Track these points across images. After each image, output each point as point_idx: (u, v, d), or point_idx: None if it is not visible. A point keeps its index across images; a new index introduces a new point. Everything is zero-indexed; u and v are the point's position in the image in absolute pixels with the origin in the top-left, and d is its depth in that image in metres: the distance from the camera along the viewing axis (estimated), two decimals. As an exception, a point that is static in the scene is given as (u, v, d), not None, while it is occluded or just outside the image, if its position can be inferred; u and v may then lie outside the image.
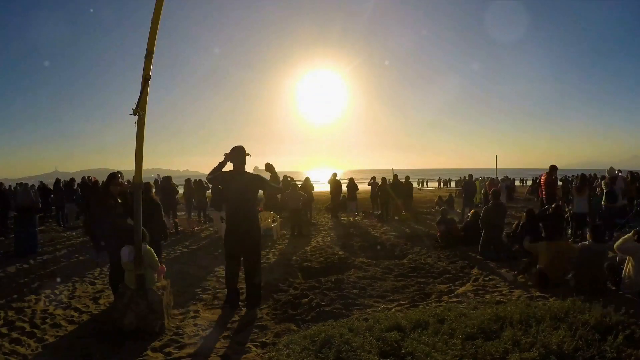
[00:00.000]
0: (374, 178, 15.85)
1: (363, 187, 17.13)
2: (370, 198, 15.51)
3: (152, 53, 3.79)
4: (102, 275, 6.13)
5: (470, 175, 15.88)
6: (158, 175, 13.98)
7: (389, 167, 15.30)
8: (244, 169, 4.44)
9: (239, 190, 4.37)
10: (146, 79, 3.77)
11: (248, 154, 4.45)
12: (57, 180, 13.71)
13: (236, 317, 4.30)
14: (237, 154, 4.39)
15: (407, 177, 15.15)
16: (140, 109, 3.77)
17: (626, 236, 4.85)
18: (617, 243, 4.87)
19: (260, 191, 5.43)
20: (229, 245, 4.54)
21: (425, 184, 42.81)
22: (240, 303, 4.68)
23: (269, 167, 4.56)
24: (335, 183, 14.31)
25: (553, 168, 8.76)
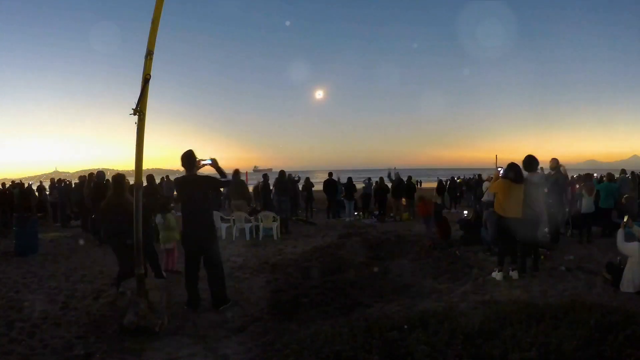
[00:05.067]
0: (369, 179, 15.98)
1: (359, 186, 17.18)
2: (361, 197, 15.67)
3: (152, 53, 3.80)
4: (102, 275, 6.13)
5: (479, 175, 15.91)
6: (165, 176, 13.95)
7: (392, 166, 15.41)
8: (195, 172, 4.62)
9: (190, 193, 4.54)
10: (146, 79, 3.77)
11: (199, 160, 4.58)
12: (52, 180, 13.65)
13: (236, 317, 4.30)
14: (184, 160, 4.57)
15: (410, 177, 15.24)
16: (140, 109, 3.78)
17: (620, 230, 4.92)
18: (618, 241, 4.88)
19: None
20: (187, 247, 4.64)
21: (418, 184, 42.14)
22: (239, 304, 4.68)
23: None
24: (329, 183, 14.32)
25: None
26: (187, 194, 4.58)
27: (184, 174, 4.71)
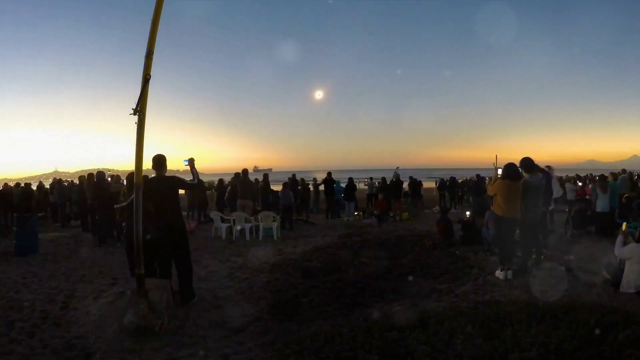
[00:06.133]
0: (370, 179, 16.10)
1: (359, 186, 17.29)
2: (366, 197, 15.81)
3: (152, 53, 3.79)
4: (102, 275, 6.14)
5: (478, 175, 15.98)
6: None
7: (395, 166, 15.40)
8: (164, 173, 4.83)
9: (161, 194, 4.66)
10: (146, 79, 3.77)
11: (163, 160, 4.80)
12: (54, 180, 13.71)
13: (236, 317, 4.30)
14: (155, 162, 4.77)
15: (411, 177, 15.40)
16: (140, 109, 3.78)
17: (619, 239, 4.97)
18: (616, 248, 4.92)
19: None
20: (158, 246, 4.67)
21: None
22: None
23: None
24: (329, 183, 14.39)
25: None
26: (160, 193, 4.67)
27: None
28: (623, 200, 9.54)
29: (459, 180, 19.01)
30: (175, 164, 5.88)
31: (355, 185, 14.53)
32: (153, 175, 4.83)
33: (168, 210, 4.70)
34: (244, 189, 10.52)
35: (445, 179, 18.21)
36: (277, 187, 12.62)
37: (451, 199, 17.29)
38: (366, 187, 17.04)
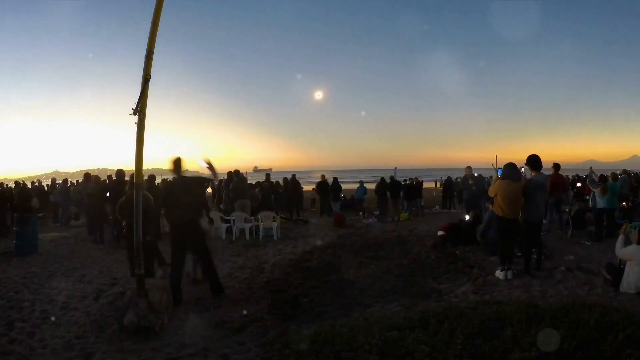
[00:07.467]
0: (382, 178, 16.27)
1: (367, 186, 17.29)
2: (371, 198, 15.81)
3: (152, 53, 3.80)
4: (102, 275, 6.14)
5: (480, 175, 15.99)
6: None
7: (394, 166, 15.57)
8: (182, 174, 4.99)
9: (181, 194, 4.84)
10: (146, 79, 3.78)
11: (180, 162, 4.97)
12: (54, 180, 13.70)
13: (236, 317, 4.30)
14: (173, 164, 4.92)
15: (417, 178, 15.65)
16: (140, 109, 3.78)
17: (620, 238, 4.97)
18: (617, 248, 4.93)
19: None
20: (174, 244, 4.85)
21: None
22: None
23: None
24: (322, 184, 14.62)
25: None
26: (180, 194, 4.83)
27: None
28: (626, 204, 9.59)
29: (458, 180, 18.98)
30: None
31: (340, 186, 15.03)
32: (174, 177, 4.99)
33: (187, 209, 4.81)
34: (240, 189, 10.54)
35: (453, 179, 18.19)
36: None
37: (450, 199, 17.26)
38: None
